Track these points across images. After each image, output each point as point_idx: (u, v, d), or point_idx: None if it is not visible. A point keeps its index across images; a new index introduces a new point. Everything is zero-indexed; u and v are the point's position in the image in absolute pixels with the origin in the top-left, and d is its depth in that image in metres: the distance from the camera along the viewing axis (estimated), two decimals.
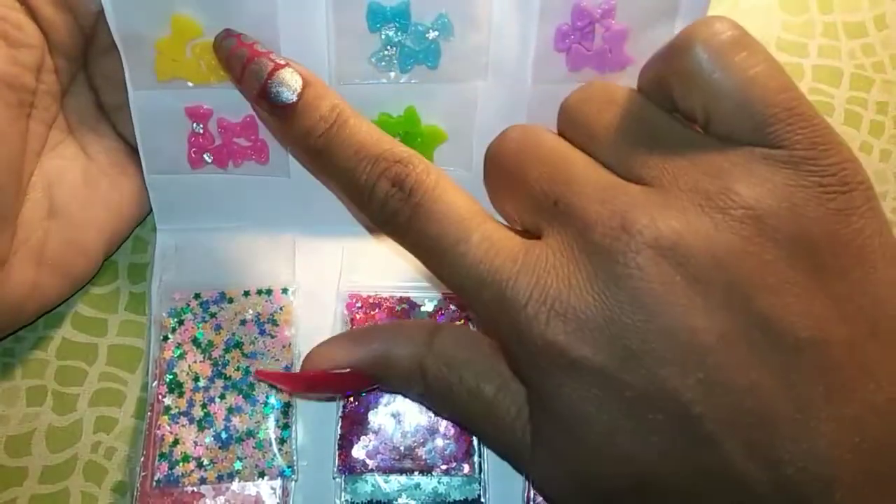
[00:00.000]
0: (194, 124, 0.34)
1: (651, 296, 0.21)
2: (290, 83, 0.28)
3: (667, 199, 0.22)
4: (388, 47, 0.33)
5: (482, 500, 0.33)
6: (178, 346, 0.35)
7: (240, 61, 0.30)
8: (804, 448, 0.21)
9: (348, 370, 0.28)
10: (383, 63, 0.33)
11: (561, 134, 0.27)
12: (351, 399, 0.34)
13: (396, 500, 0.33)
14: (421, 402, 0.32)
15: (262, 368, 0.34)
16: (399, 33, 0.32)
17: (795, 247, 0.21)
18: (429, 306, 0.36)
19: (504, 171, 0.26)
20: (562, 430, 0.23)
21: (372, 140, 0.27)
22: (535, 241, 0.24)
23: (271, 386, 0.34)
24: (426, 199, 0.25)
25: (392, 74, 0.33)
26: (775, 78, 0.23)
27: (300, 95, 0.28)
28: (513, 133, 0.27)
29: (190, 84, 0.33)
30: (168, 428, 0.33)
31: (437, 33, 0.32)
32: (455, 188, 0.26)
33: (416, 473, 0.33)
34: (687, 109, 0.24)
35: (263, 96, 0.29)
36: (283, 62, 0.29)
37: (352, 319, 0.35)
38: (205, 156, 0.35)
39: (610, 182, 0.23)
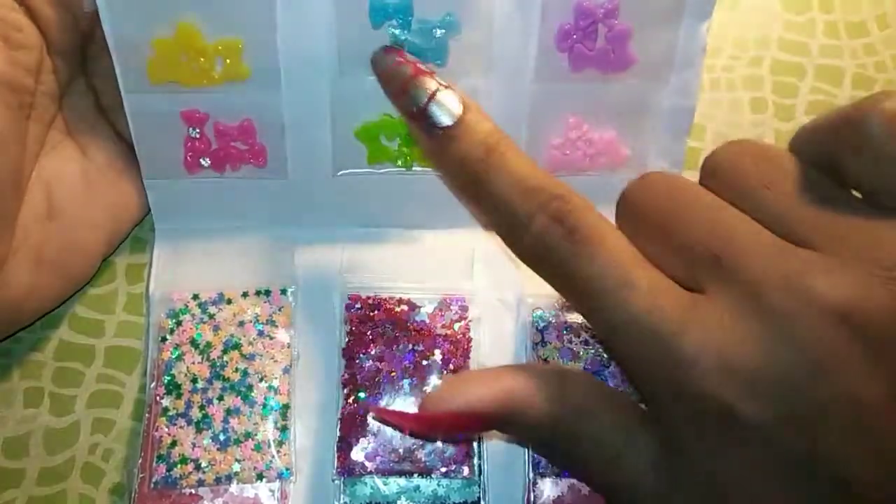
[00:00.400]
0: (190, 129, 0.34)
1: (826, 362, 0.21)
2: (450, 106, 0.28)
3: (842, 266, 0.22)
4: (396, 44, 0.32)
5: (482, 502, 0.33)
6: (177, 347, 0.34)
7: (401, 78, 0.30)
8: None
9: (475, 412, 0.26)
10: None
11: (707, 188, 0.26)
12: (350, 400, 0.33)
13: (395, 503, 0.32)
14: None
15: (378, 407, 0.33)
16: (404, 31, 0.32)
17: None
18: (429, 307, 0.35)
19: (650, 220, 0.26)
20: (707, 490, 0.23)
21: (530, 172, 0.27)
22: (701, 296, 0.23)
23: (384, 422, 0.33)
24: (589, 238, 0.25)
25: None
26: None
27: (460, 119, 0.28)
28: (657, 180, 0.27)
29: (183, 88, 0.33)
30: (166, 429, 0.33)
31: (443, 31, 0.32)
32: (616, 230, 0.26)
33: (415, 476, 0.33)
34: (852, 180, 0.24)
35: (422, 116, 0.29)
36: (445, 84, 0.29)
37: (351, 320, 0.35)
38: (201, 160, 0.35)
39: (776, 243, 0.23)
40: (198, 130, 0.34)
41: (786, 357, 0.21)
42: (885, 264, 0.21)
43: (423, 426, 0.28)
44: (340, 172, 0.36)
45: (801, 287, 0.22)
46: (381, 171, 0.36)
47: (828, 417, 0.21)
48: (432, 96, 0.29)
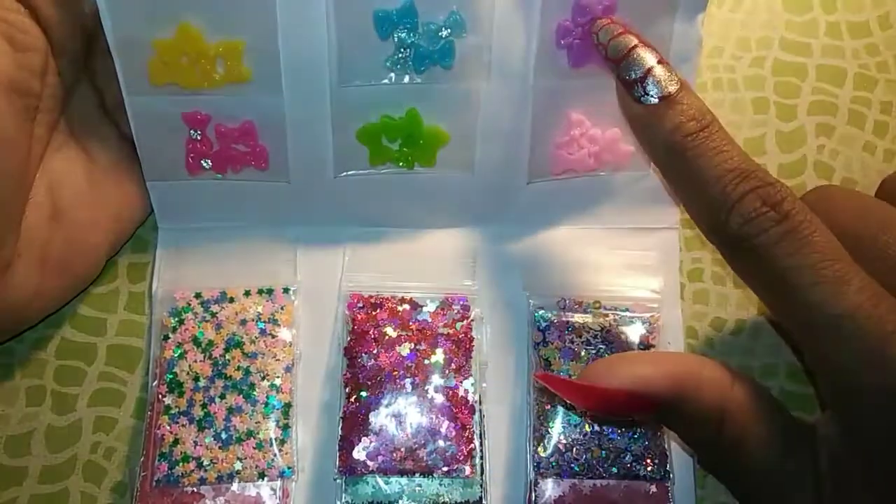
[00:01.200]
0: (192, 130, 0.34)
1: None
2: (667, 82, 0.29)
3: None
4: (403, 49, 0.32)
5: (483, 501, 0.33)
6: (179, 345, 0.34)
7: (623, 47, 0.30)
8: None
9: (647, 391, 0.25)
10: (399, 66, 0.33)
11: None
12: (352, 399, 0.33)
13: (397, 502, 0.32)
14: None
15: (546, 373, 0.32)
16: (411, 34, 0.32)
17: None
18: (430, 307, 0.35)
19: (835, 228, 0.26)
20: None
21: (742, 156, 0.27)
22: None
23: (552, 395, 0.32)
24: (804, 226, 0.25)
25: (393, 76, 0.33)
26: None
27: (675, 94, 0.29)
28: (840, 195, 0.27)
29: (184, 89, 0.33)
30: (168, 428, 0.33)
31: (449, 31, 0.32)
32: (827, 229, 0.25)
33: (416, 475, 0.33)
34: None
35: (639, 86, 0.29)
36: (664, 59, 0.30)
37: (353, 319, 0.35)
38: (203, 162, 0.35)
39: None
40: (199, 132, 0.34)
41: None
42: None
43: (591, 400, 0.26)
44: (342, 174, 0.36)
45: None
46: (383, 171, 0.36)
47: None
48: (650, 70, 0.29)
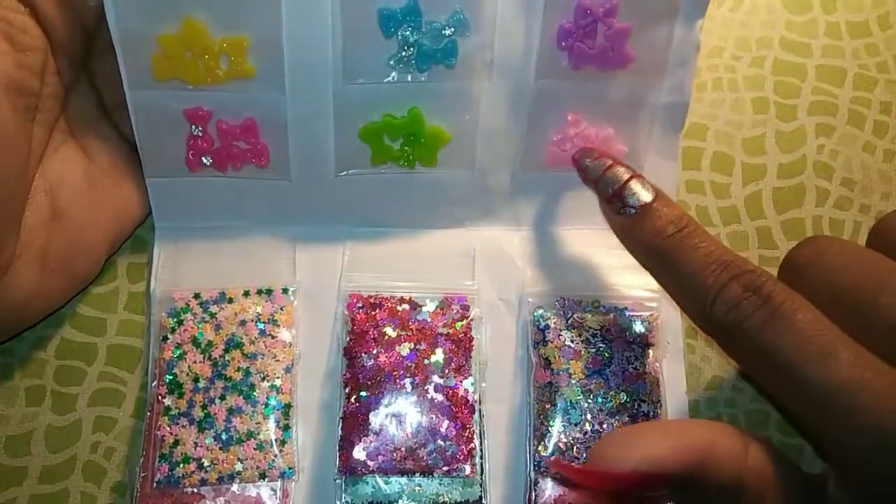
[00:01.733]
0: (193, 126, 0.34)
1: None
2: (641, 193, 0.31)
3: None
4: (406, 48, 0.32)
5: (483, 501, 0.33)
6: (178, 346, 0.34)
7: (599, 168, 0.33)
8: None
9: (662, 468, 0.24)
10: (402, 65, 0.33)
11: (879, 251, 0.27)
12: (352, 399, 0.33)
13: (397, 502, 0.32)
14: None
15: (560, 460, 0.32)
16: (414, 33, 0.32)
17: None
18: (430, 307, 0.35)
19: (833, 289, 0.26)
20: None
21: (720, 248, 0.28)
22: None
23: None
24: (786, 307, 0.25)
25: (394, 74, 0.33)
26: None
27: (650, 203, 0.31)
28: (831, 246, 0.27)
29: (188, 86, 0.33)
30: (168, 429, 0.33)
31: (452, 30, 0.32)
32: (807, 302, 0.26)
33: (416, 475, 0.33)
34: None
35: (617, 199, 0.32)
36: (637, 173, 0.32)
37: (353, 319, 0.35)
38: (203, 159, 0.35)
39: None
40: (200, 128, 0.34)
41: None
42: None
43: (607, 485, 0.25)
44: (343, 173, 0.36)
45: None
46: (384, 171, 0.36)
47: None
48: (626, 183, 0.32)
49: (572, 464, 0.32)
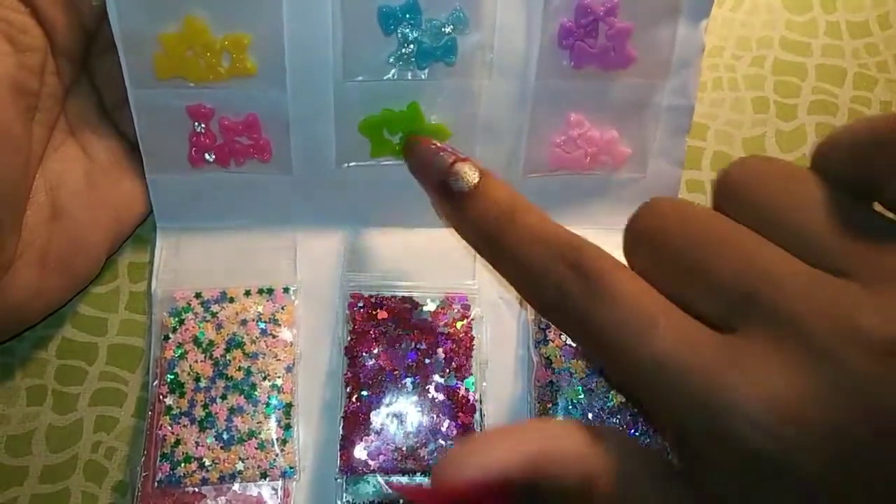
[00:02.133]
0: (195, 123, 0.34)
1: (887, 408, 0.19)
2: (468, 175, 0.30)
3: (886, 296, 0.20)
4: (406, 45, 0.32)
5: None
6: (179, 345, 0.34)
7: (424, 156, 0.32)
8: None
9: (503, 478, 0.23)
10: (401, 63, 0.33)
11: (725, 213, 0.25)
12: (353, 399, 0.33)
13: (398, 501, 0.32)
14: None
15: (395, 484, 0.32)
16: (414, 30, 0.32)
17: None
18: (431, 306, 0.35)
19: (666, 255, 0.24)
20: None
21: (547, 227, 0.27)
22: (735, 337, 0.22)
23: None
24: (605, 282, 0.23)
25: (394, 72, 0.33)
26: None
27: (478, 185, 0.29)
28: (668, 208, 0.25)
29: (190, 84, 0.33)
30: (169, 428, 0.33)
31: (452, 28, 0.32)
32: (633, 274, 0.24)
33: (418, 474, 0.33)
34: (893, 203, 0.22)
35: (444, 186, 0.30)
36: (463, 157, 0.31)
37: (353, 318, 0.35)
38: (206, 155, 0.35)
39: (813, 275, 0.21)
40: (203, 125, 0.34)
41: (844, 408, 0.19)
42: None
43: (442, 501, 0.24)
44: (344, 165, 0.36)
45: (850, 327, 0.20)
46: (384, 163, 0.36)
47: (894, 475, 0.19)
48: (451, 167, 0.30)
49: (410, 485, 0.32)
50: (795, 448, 0.20)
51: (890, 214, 0.22)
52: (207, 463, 0.33)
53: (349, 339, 0.35)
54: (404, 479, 0.33)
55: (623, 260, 0.25)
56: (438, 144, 0.32)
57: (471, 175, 0.29)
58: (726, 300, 0.22)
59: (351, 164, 0.36)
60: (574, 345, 0.35)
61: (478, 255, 0.37)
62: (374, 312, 0.35)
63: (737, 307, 0.22)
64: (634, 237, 0.26)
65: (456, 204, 0.29)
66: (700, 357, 0.21)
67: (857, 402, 0.19)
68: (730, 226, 0.23)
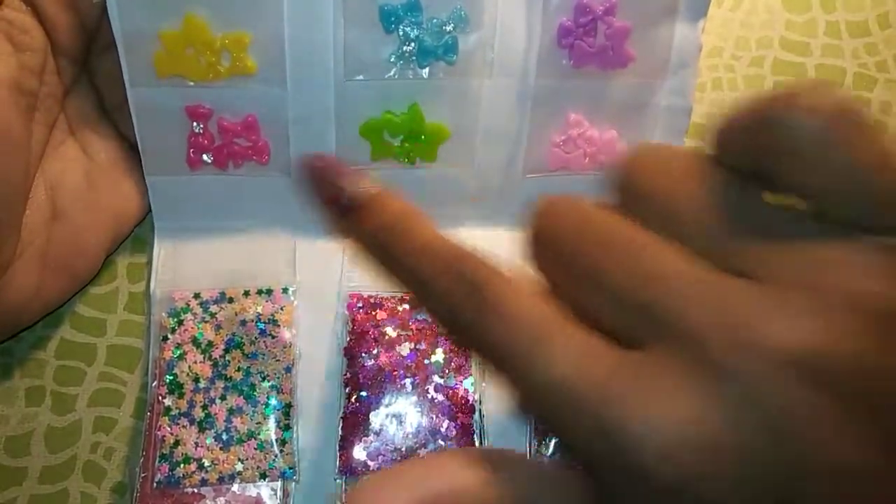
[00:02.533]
0: (194, 124, 0.34)
1: (793, 427, 0.18)
2: (361, 187, 0.29)
3: (785, 300, 0.19)
4: (407, 44, 0.32)
5: None
6: (178, 346, 0.34)
7: (317, 171, 0.31)
8: None
9: None
10: (402, 61, 0.33)
11: (622, 209, 0.23)
12: (352, 399, 0.33)
13: None
14: None
15: None
16: (415, 29, 0.32)
17: None
18: None
19: (561, 258, 0.23)
20: None
21: (438, 239, 0.25)
22: (633, 353, 0.20)
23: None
24: (495, 295, 0.22)
25: (395, 71, 0.33)
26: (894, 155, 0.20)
27: (371, 198, 0.28)
28: (564, 209, 0.23)
29: (189, 83, 0.33)
30: (169, 429, 0.33)
31: (452, 27, 0.32)
32: (527, 286, 0.23)
33: None
34: (790, 187, 0.20)
35: (336, 201, 0.29)
36: (357, 171, 0.30)
37: (353, 319, 0.35)
38: (204, 156, 0.35)
39: (709, 278, 0.20)
40: (201, 126, 0.34)
41: (745, 426, 0.18)
42: (835, 292, 0.18)
43: None
44: None
45: (748, 339, 0.18)
46: (384, 166, 0.36)
47: (806, 493, 0.18)
48: (344, 181, 0.29)
49: None
50: (698, 473, 0.19)
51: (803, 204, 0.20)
52: (206, 463, 0.33)
53: (348, 339, 0.35)
54: None
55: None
56: (333, 159, 0.31)
57: (364, 189, 0.29)
58: (626, 311, 0.21)
59: (351, 167, 0.36)
60: None
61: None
62: (373, 312, 0.35)
63: (636, 319, 0.21)
64: (531, 240, 0.24)
65: (350, 218, 0.29)
66: (596, 380, 0.20)
67: (758, 418, 0.18)
68: (626, 226, 0.22)
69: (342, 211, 0.29)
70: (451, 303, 0.23)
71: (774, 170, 0.20)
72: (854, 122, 0.19)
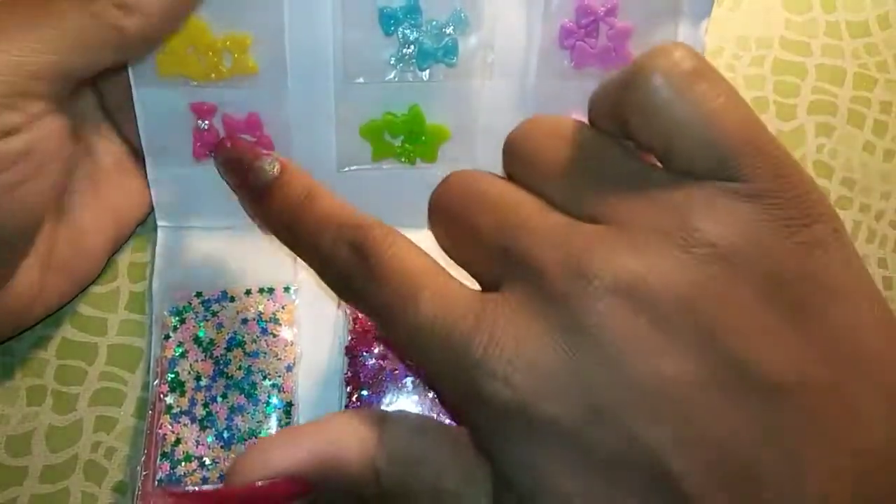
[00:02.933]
0: (199, 120, 0.34)
1: (614, 344, 0.19)
2: (267, 168, 0.30)
3: (624, 239, 0.20)
4: (407, 45, 0.33)
5: None
6: (180, 344, 0.34)
7: (228, 154, 0.32)
8: (793, 503, 0.19)
9: (282, 479, 0.22)
10: (402, 64, 0.33)
11: (508, 174, 0.25)
12: (353, 398, 0.33)
13: None
14: None
15: (163, 490, 0.32)
16: (415, 31, 0.32)
17: (765, 284, 0.20)
18: None
19: (450, 221, 0.25)
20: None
21: (337, 211, 0.26)
22: (492, 294, 0.22)
23: None
24: (380, 259, 0.23)
25: (394, 73, 0.33)
26: (737, 110, 0.21)
27: (278, 177, 0.29)
28: (454, 179, 0.25)
29: (193, 82, 0.33)
30: (170, 427, 0.33)
31: (452, 29, 0.32)
32: (412, 247, 0.24)
33: None
34: (643, 142, 0.22)
35: (246, 182, 0.30)
36: (266, 152, 0.31)
37: (354, 318, 0.35)
38: (210, 152, 0.35)
39: (561, 223, 0.22)
40: (206, 122, 0.34)
41: (574, 347, 0.20)
42: (671, 232, 0.20)
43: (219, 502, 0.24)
44: (345, 169, 0.36)
45: (579, 268, 0.20)
46: (385, 167, 0.36)
47: (627, 403, 0.19)
48: (251, 162, 0.30)
49: (187, 492, 0.31)
50: (545, 396, 0.20)
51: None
52: (208, 462, 0.33)
53: (350, 338, 0.35)
54: None
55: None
56: (242, 141, 0.32)
57: (270, 167, 0.29)
58: (490, 258, 0.22)
59: (352, 167, 0.36)
60: None
61: None
62: None
63: (498, 264, 0.22)
64: (429, 212, 0.26)
65: (259, 198, 0.29)
66: (455, 318, 0.21)
67: (584, 340, 0.20)
68: (500, 186, 0.24)
69: (253, 195, 0.30)
70: (346, 270, 0.24)
71: (630, 129, 0.22)
72: (689, 79, 0.21)
